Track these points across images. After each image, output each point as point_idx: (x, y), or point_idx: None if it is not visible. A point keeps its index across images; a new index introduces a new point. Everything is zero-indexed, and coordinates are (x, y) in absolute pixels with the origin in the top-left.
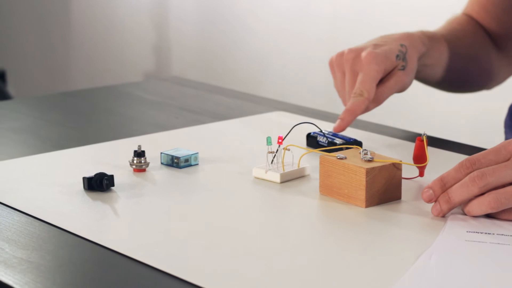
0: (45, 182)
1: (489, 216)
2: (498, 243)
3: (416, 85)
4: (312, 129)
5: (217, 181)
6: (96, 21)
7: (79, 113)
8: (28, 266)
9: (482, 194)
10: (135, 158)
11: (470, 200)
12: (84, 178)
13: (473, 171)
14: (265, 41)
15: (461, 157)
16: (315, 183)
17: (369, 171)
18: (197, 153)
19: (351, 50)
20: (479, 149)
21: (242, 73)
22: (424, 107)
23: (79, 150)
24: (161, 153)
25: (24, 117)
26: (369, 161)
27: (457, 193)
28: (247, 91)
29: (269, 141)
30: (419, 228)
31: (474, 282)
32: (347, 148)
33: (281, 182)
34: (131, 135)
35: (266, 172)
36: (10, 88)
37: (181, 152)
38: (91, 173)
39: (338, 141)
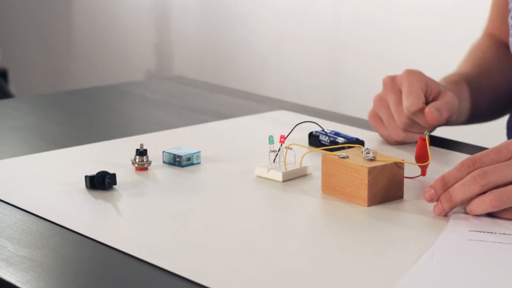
0: (47, 180)
1: (491, 215)
2: (501, 242)
3: None
4: (314, 128)
5: (219, 180)
6: (97, 20)
7: (81, 112)
8: (30, 264)
9: (484, 193)
10: (137, 157)
11: (471, 199)
12: (86, 176)
13: (475, 170)
14: (267, 40)
15: (463, 157)
16: (317, 182)
17: (371, 170)
18: (199, 151)
19: (387, 77)
20: (481, 149)
21: (244, 72)
22: None
23: (81, 149)
24: (163, 151)
25: (26, 115)
26: (371, 160)
27: (459, 192)
28: (249, 90)
29: (271, 140)
30: (421, 227)
31: (476, 281)
32: (349, 147)
33: (283, 181)
34: (133, 134)
35: (268, 171)
36: (12, 87)
37: (183, 150)
38: (93, 172)
39: (340, 140)
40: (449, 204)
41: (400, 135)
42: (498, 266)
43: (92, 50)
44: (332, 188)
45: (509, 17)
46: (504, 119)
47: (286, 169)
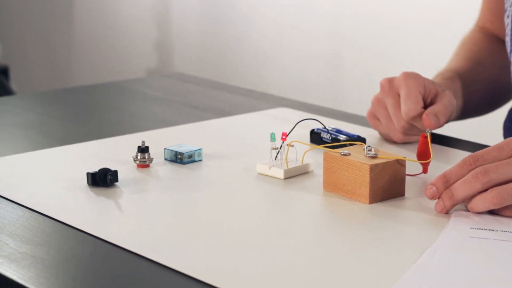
0: (49, 177)
1: (492, 212)
2: (502, 240)
3: None
4: (316, 126)
5: (221, 177)
6: (98, 17)
7: (83, 109)
8: (32, 261)
9: (485, 190)
10: (139, 154)
11: (473, 196)
12: (88, 173)
13: (476, 167)
14: (268, 37)
15: (464, 154)
16: (319, 179)
17: (372, 168)
18: (201, 149)
19: (384, 79)
20: (482, 146)
21: (245, 69)
22: None
23: (83, 146)
24: (164, 149)
25: (28, 112)
26: (373, 157)
27: (460, 189)
28: (250, 88)
29: (272, 137)
30: (423, 224)
31: (477, 279)
32: (351, 145)
33: (285, 178)
34: (134, 131)
35: (269, 168)
36: (13, 84)
37: (184, 148)
38: (95, 169)
39: (342, 137)
40: (450, 202)
41: (399, 138)
42: (499, 264)
43: (93, 47)
44: (333, 185)
45: (505, 16)
46: (502, 118)
47: (287, 166)
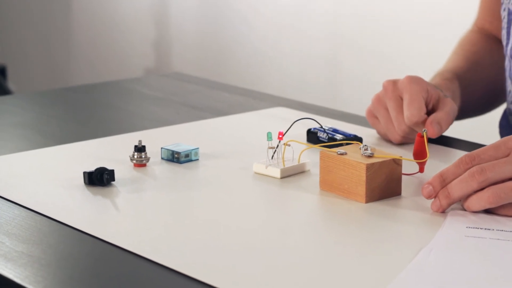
0: (46, 176)
1: (488, 211)
2: (498, 239)
3: None
4: (313, 125)
5: (218, 176)
6: (96, 17)
7: (80, 108)
8: (29, 260)
9: (482, 189)
10: (136, 153)
11: (469, 195)
12: (84, 172)
13: (473, 166)
14: (266, 37)
15: (461, 153)
16: (315, 179)
17: (369, 167)
18: (198, 148)
19: (387, 81)
20: (478, 145)
21: (243, 69)
22: None
23: (80, 145)
24: (161, 148)
25: (25, 112)
26: (369, 156)
27: (457, 188)
28: (248, 87)
29: (269, 137)
30: (419, 223)
31: (473, 278)
32: (347, 144)
33: (282, 178)
34: (131, 130)
35: (266, 168)
36: (11, 83)
37: (181, 147)
38: (91, 168)
39: (338, 136)
40: (447, 201)
41: (397, 140)
42: (495, 263)
43: (91, 47)
44: (330, 184)
45: (502, 9)
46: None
47: (284, 165)
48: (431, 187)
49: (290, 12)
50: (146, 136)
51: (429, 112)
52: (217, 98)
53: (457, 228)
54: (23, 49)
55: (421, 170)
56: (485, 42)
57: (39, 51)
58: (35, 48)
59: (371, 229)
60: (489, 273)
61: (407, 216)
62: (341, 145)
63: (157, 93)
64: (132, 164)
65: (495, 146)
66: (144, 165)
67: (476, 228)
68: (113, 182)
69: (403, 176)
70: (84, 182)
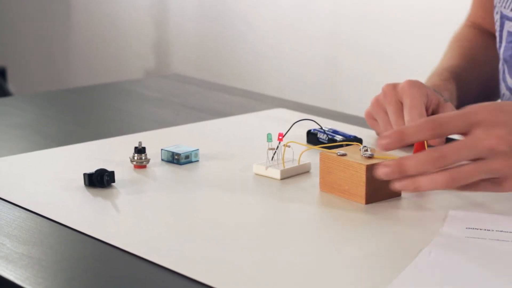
0: (46, 178)
1: (488, 212)
2: (498, 240)
3: None
4: (313, 126)
5: (218, 178)
6: (96, 18)
7: (80, 109)
8: (29, 261)
9: None
10: (136, 155)
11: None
12: (85, 174)
13: (435, 133)
14: (266, 38)
15: None
16: (315, 180)
17: (369, 168)
18: (198, 149)
19: (387, 85)
20: None
21: (242, 70)
22: None
23: (80, 147)
24: (161, 149)
25: (25, 113)
26: (369, 157)
27: (413, 168)
28: (248, 88)
29: (269, 138)
30: (419, 224)
31: (473, 279)
32: (347, 145)
33: (282, 179)
34: (131, 131)
35: (266, 169)
36: (11, 85)
37: (181, 148)
38: (92, 169)
39: (338, 138)
40: (401, 174)
41: None
42: (494, 264)
43: (91, 48)
44: (330, 185)
45: (495, 12)
46: None
47: (284, 166)
48: (389, 140)
49: (290, 12)
50: (146, 138)
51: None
52: (217, 99)
53: (457, 229)
54: (23, 50)
55: None
56: (481, 38)
57: (39, 53)
58: (35, 49)
59: (371, 230)
60: (489, 273)
61: (407, 217)
62: (341, 146)
63: (157, 94)
64: (132, 165)
65: (463, 114)
66: (144, 166)
67: (476, 229)
68: (113, 184)
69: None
70: (84, 183)
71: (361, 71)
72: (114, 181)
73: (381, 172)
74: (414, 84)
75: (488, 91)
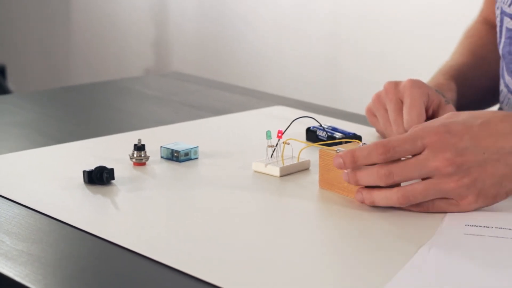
0: (46, 175)
1: (487, 209)
2: (497, 237)
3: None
4: (312, 123)
5: (217, 175)
6: (96, 17)
7: (79, 107)
8: (29, 258)
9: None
10: (135, 152)
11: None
12: (84, 171)
13: (386, 157)
14: (265, 36)
15: None
16: (315, 177)
17: None
18: (197, 147)
19: (389, 82)
20: None
21: (242, 68)
22: None
23: (80, 144)
24: (161, 147)
25: (24, 111)
26: None
27: (365, 179)
28: (247, 86)
29: (268, 135)
30: (418, 221)
31: (472, 276)
32: (346, 142)
33: (281, 176)
34: (131, 129)
35: (265, 166)
36: (10, 83)
37: (181, 146)
38: (91, 167)
39: (337, 135)
40: (355, 183)
41: None
42: (494, 260)
43: (91, 47)
44: (329, 182)
45: (496, 8)
46: None
47: (283, 164)
48: (341, 160)
49: (289, 12)
50: (145, 135)
51: (429, 118)
52: (216, 97)
53: (456, 226)
54: (23, 48)
55: None
56: (492, 34)
57: (38, 51)
58: (34, 47)
59: (370, 227)
60: (488, 271)
61: (406, 214)
62: (340, 143)
63: (157, 93)
64: (132, 163)
65: (412, 139)
66: (144, 164)
67: (475, 226)
68: (112, 181)
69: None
70: (84, 181)
71: (361, 71)
72: (113, 179)
73: (336, 163)
74: (415, 84)
75: (495, 88)
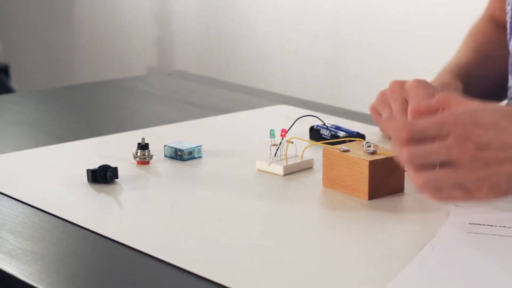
0: (49, 174)
1: (491, 208)
2: (500, 235)
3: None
4: (315, 122)
5: (220, 174)
6: (98, 16)
7: (83, 106)
8: (33, 257)
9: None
10: (139, 151)
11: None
12: (88, 170)
13: (410, 140)
14: (268, 35)
15: None
16: (318, 176)
17: (372, 164)
18: (201, 145)
19: (395, 81)
20: None
21: (245, 67)
22: None
23: (83, 143)
24: (164, 145)
25: (28, 110)
26: (372, 153)
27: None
28: (250, 85)
29: (272, 134)
30: (422, 220)
31: (476, 274)
32: (350, 141)
33: (284, 175)
34: (134, 128)
35: (269, 165)
36: (13, 82)
37: (184, 144)
38: (95, 166)
39: (341, 134)
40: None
41: None
42: (497, 259)
43: (93, 45)
44: (333, 181)
45: (506, 4)
46: None
47: (287, 162)
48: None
49: (291, 11)
50: (149, 134)
51: None
52: (219, 96)
53: (460, 225)
54: (26, 48)
55: None
56: (497, 32)
57: (41, 50)
58: (37, 47)
59: (374, 225)
60: (492, 269)
61: (410, 212)
62: (344, 142)
63: (160, 92)
64: (135, 161)
65: (439, 124)
66: (147, 162)
67: (478, 224)
68: (116, 180)
69: (405, 173)
70: (88, 179)
71: (364, 70)
72: (117, 177)
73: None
74: (420, 84)
75: (500, 87)
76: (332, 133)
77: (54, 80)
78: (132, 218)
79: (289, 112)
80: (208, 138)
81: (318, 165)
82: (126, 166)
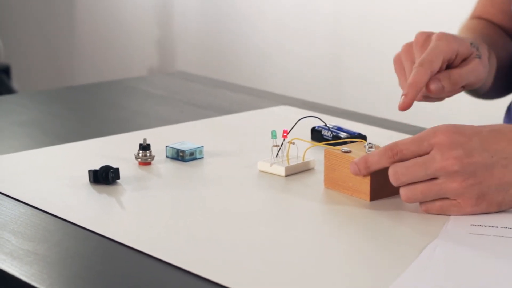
0: (51, 175)
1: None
2: (502, 236)
3: None
4: (317, 123)
5: (222, 175)
6: (100, 16)
7: (84, 107)
8: (35, 257)
9: None
10: (141, 151)
11: None
12: (89, 171)
13: (394, 161)
14: (269, 36)
15: None
16: (320, 177)
17: None
18: (202, 146)
19: (421, 33)
20: None
21: (246, 68)
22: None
23: (85, 144)
24: (166, 146)
25: (29, 111)
26: None
27: (375, 165)
28: (252, 86)
29: (274, 135)
30: (424, 221)
31: (478, 275)
32: (351, 142)
33: (286, 176)
34: (136, 129)
35: (271, 166)
36: (15, 83)
37: (186, 145)
38: (96, 166)
39: (342, 135)
40: (366, 170)
41: (419, 98)
42: (499, 260)
43: (95, 46)
44: (334, 182)
45: None
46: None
47: (288, 163)
48: (357, 168)
49: (292, 11)
50: (151, 135)
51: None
52: (221, 96)
53: (462, 226)
54: (27, 48)
55: None
56: (493, 27)
57: (43, 51)
58: (39, 47)
59: (376, 226)
60: (494, 270)
61: (412, 213)
62: (345, 143)
63: (161, 92)
64: (137, 162)
65: (418, 140)
66: (149, 163)
67: (480, 225)
68: (118, 181)
69: None
70: (89, 180)
71: (365, 69)
72: (119, 178)
73: (352, 170)
74: (444, 37)
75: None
76: (334, 134)
77: (55, 80)
78: (133, 218)
79: (291, 113)
80: (210, 139)
81: (319, 166)
82: (127, 166)
